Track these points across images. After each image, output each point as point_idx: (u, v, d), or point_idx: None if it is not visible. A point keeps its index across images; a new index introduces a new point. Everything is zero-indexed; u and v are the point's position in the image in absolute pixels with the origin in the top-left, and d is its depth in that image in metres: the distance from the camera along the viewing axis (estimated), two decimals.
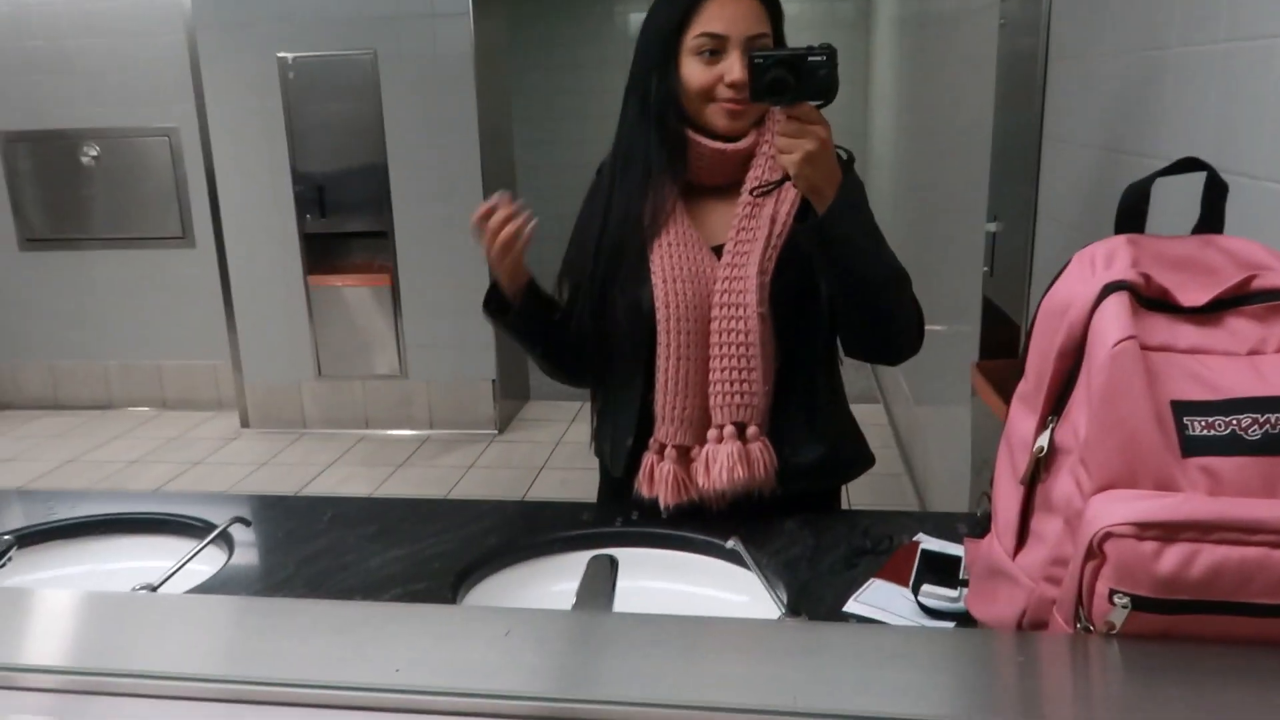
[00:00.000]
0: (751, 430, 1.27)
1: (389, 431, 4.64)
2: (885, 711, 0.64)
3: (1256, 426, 0.70)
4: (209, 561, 1.20)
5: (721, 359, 1.26)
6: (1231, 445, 0.70)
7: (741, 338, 1.25)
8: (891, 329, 1.29)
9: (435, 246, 4.38)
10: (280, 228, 4.47)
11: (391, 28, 4.22)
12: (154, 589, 1.08)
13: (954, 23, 3.02)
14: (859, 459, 1.41)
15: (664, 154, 1.29)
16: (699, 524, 1.25)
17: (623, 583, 1.11)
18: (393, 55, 4.24)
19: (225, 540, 1.24)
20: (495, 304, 1.34)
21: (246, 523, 1.27)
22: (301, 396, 4.69)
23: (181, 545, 1.25)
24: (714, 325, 1.26)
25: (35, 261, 4.97)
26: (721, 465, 1.25)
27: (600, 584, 1.09)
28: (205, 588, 1.13)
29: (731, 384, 1.26)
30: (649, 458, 1.31)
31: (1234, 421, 0.70)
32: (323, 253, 4.50)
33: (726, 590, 1.18)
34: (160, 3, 4.56)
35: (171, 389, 5.09)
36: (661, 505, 1.28)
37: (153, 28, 4.62)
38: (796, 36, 1.20)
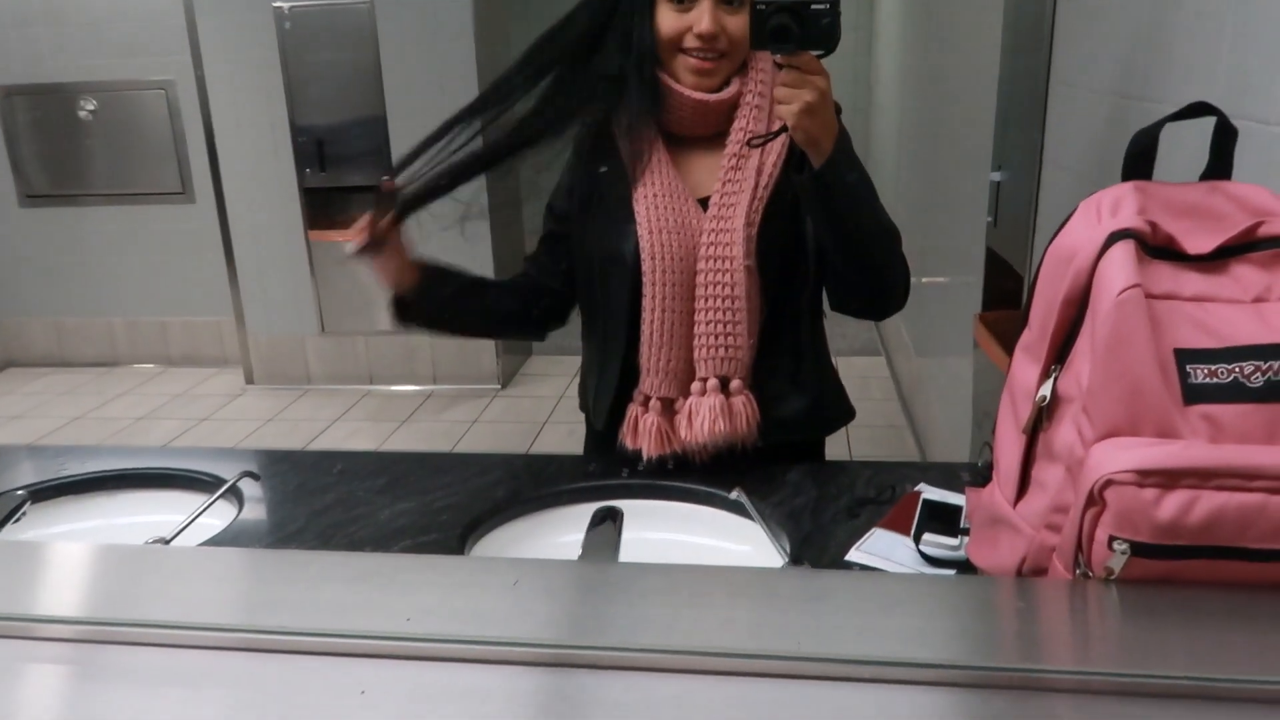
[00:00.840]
0: (735, 384, 1.27)
1: (393, 387, 4.65)
2: (887, 656, 0.65)
3: (1259, 374, 0.70)
4: (219, 516, 1.22)
5: (707, 312, 1.25)
6: (1233, 393, 0.70)
7: (727, 290, 1.24)
8: (882, 283, 1.28)
9: (437, 201, 4.34)
10: (280, 182, 4.44)
11: None
12: (166, 543, 1.10)
13: None
14: (840, 412, 1.42)
15: (643, 102, 1.27)
16: (701, 476, 1.26)
17: (627, 534, 1.13)
18: (390, 3, 4.17)
19: (235, 495, 1.26)
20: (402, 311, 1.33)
21: (255, 477, 1.28)
22: (305, 352, 4.70)
23: (191, 500, 1.26)
24: (700, 279, 1.26)
25: (36, 218, 4.95)
26: (704, 418, 1.26)
27: (605, 535, 1.10)
28: (216, 541, 1.15)
29: (716, 337, 1.26)
30: (633, 409, 1.31)
31: (1236, 369, 0.70)
32: (323, 207, 4.47)
33: (730, 541, 1.19)
34: None
35: (176, 345, 5.10)
36: (645, 456, 1.29)
37: None
38: None
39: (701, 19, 1.21)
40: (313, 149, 4.37)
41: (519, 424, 4.20)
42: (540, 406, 4.36)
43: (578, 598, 0.75)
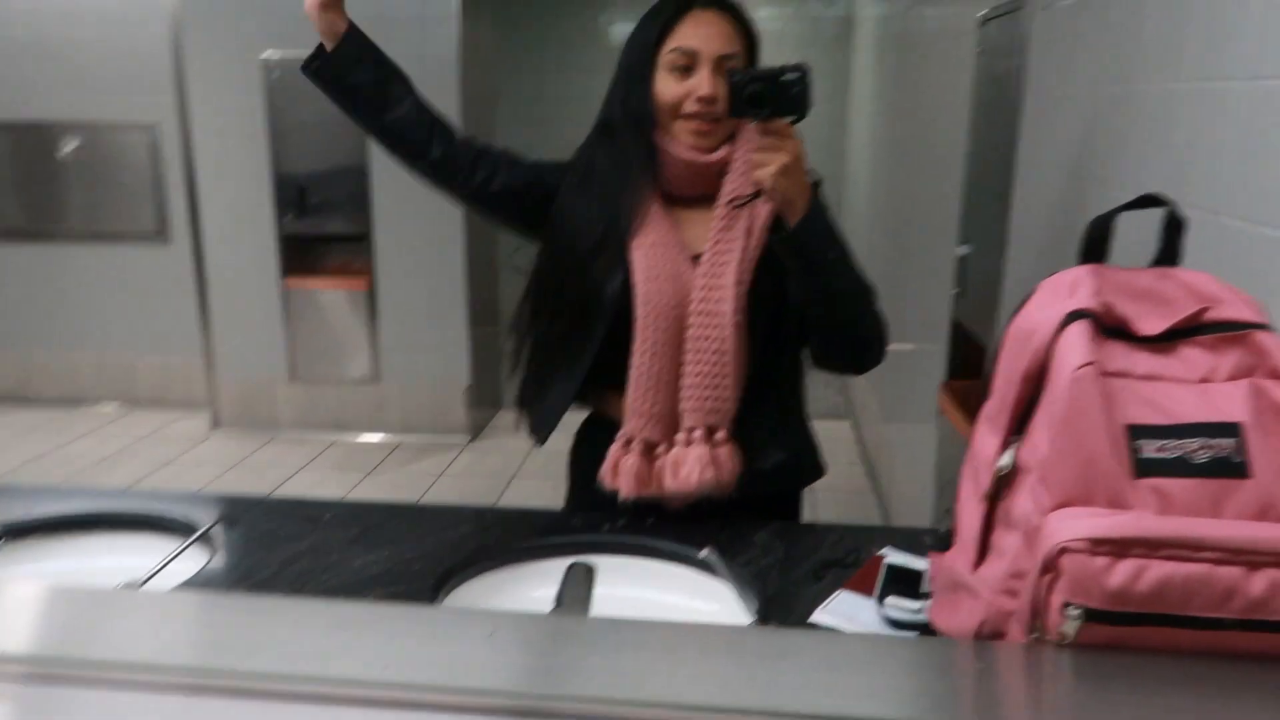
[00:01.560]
0: (719, 434, 1.32)
1: (361, 436, 4.62)
2: (851, 713, 0.67)
3: (1204, 450, 0.74)
4: (190, 561, 1.22)
5: (696, 364, 1.30)
6: (1180, 468, 0.74)
7: (716, 345, 1.29)
8: (859, 338, 1.34)
9: (415, 251, 4.38)
10: (258, 228, 4.45)
11: (378, 30, 4.14)
12: (139, 586, 1.09)
13: (932, 46, 3.09)
14: (815, 467, 1.47)
15: (640, 161, 1.34)
16: (675, 528, 1.28)
17: (598, 589, 1.14)
18: None
19: (207, 540, 1.25)
20: (317, 64, 1.40)
21: (231, 523, 1.28)
22: (274, 398, 4.67)
23: (161, 543, 1.26)
24: (690, 332, 1.30)
25: (8, 253, 4.92)
26: (691, 467, 1.30)
27: (578, 590, 1.12)
28: (188, 586, 1.14)
29: (704, 389, 1.30)
30: (615, 449, 1.35)
31: (1183, 445, 0.74)
32: (301, 254, 4.50)
33: (699, 599, 1.21)
34: None
35: (143, 386, 5.05)
36: (621, 496, 1.32)
37: (136, 21, 4.60)
38: (778, 54, 1.25)
39: (702, 85, 1.29)
40: (293, 196, 4.41)
41: (487, 478, 4.18)
42: (509, 461, 4.35)
43: (553, 650, 0.77)
